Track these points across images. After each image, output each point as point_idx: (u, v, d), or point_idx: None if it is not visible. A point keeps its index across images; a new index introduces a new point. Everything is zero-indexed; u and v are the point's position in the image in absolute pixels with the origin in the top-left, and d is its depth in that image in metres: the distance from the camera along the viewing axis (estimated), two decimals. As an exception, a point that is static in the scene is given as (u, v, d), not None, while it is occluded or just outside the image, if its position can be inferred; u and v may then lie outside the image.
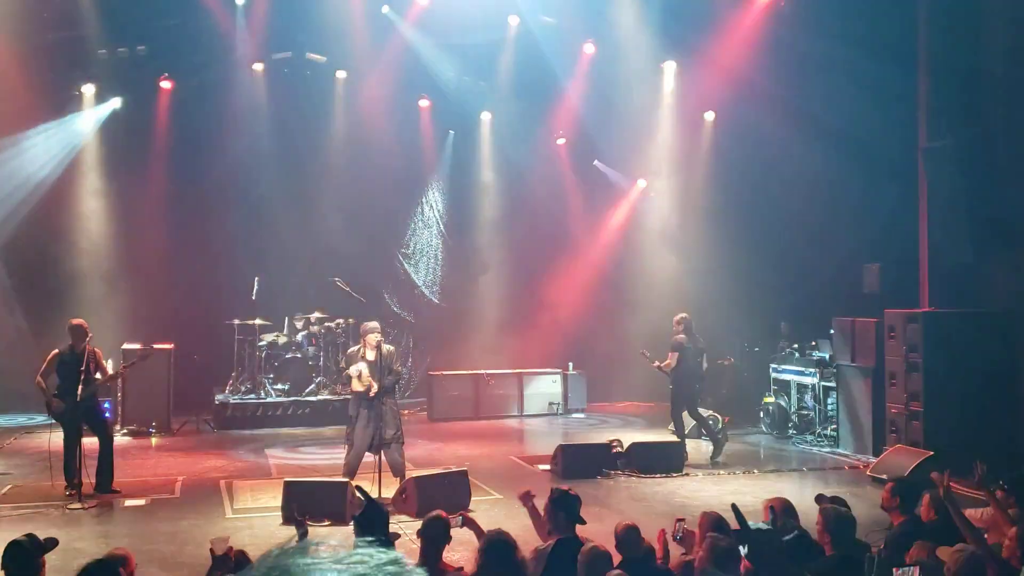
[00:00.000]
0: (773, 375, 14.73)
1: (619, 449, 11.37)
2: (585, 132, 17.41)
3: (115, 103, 15.63)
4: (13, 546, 4.68)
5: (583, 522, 5.58)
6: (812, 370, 13.87)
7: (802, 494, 8.79)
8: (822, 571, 4.83)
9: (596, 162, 17.89)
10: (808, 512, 6.27)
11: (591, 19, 15.78)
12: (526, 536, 6.58)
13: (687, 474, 11.14)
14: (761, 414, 14.50)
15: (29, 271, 15.04)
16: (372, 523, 5.05)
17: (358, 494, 5.01)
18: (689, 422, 13.65)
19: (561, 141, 18.01)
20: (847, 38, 13.00)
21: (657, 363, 12.37)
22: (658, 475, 10.95)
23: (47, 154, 15.15)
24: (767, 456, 12.55)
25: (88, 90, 15.43)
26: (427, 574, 1.57)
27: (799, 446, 13.30)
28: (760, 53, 14.53)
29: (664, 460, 11.23)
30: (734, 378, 15.98)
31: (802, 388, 14.18)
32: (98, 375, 9.92)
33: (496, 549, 4.74)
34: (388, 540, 3.78)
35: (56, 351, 9.86)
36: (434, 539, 5.31)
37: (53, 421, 9.93)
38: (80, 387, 9.55)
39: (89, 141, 15.68)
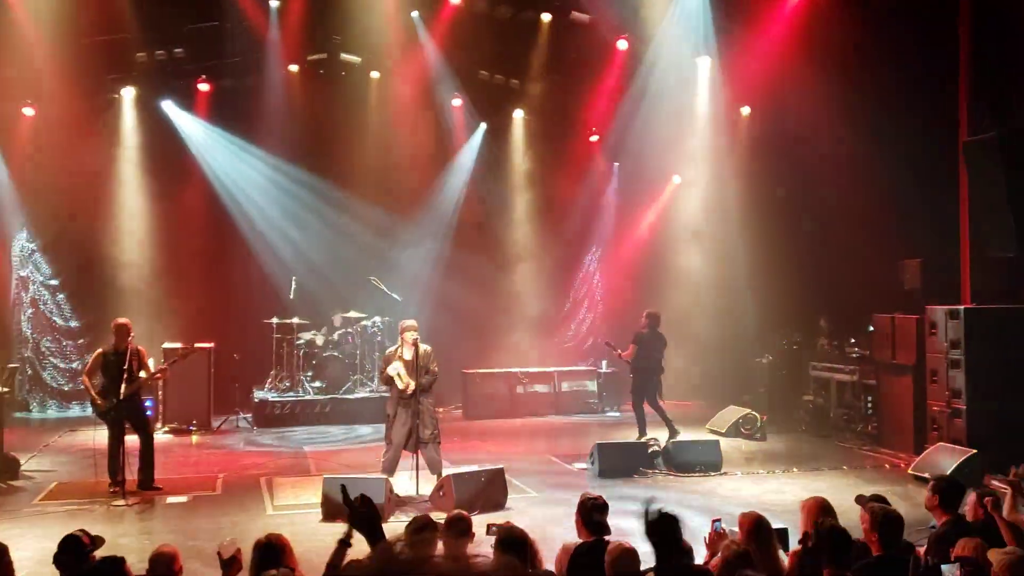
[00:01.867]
0: (812, 373, 14.60)
1: (656, 448, 11.34)
2: (618, 129, 17.36)
3: (156, 106, 15.86)
4: (68, 540, 4.78)
5: (608, 531, 5.55)
6: (851, 367, 13.73)
7: (842, 493, 8.70)
8: (869, 571, 4.78)
9: (615, 164, 17.80)
10: (848, 512, 6.21)
11: (624, 15, 15.72)
12: (562, 534, 6.61)
13: (725, 473, 11.07)
14: (800, 412, 14.37)
15: (73, 271, 15.31)
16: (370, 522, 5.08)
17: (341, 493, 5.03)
18: (732, 416, 13.62)
19: (595, 138, 17.98)
20: (887, 30, 12.84)
21: (619, 351, 12.90)
22: (695, 474, 10.90)
23: (93, 155, 15.41)
24: (806, 455, 12.43)
25: (128, 93, 15.67)
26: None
27: (838, 444, 13.16)
28: (797, 47, 14.37)
29: (701, 459, 11.16)
30: (772, 376, 15.86)
31: (841, 386, 14.04)
32: (141, 373, 10.07)
33: (509, 542, 4.80)
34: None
35: (101, 350, 10.06)
36: (459, 536, 5.35)
37: (98, 418, 10.12)
38: (123, 385, 9.72)
39: (131, 143, 15.92)
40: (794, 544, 5.71)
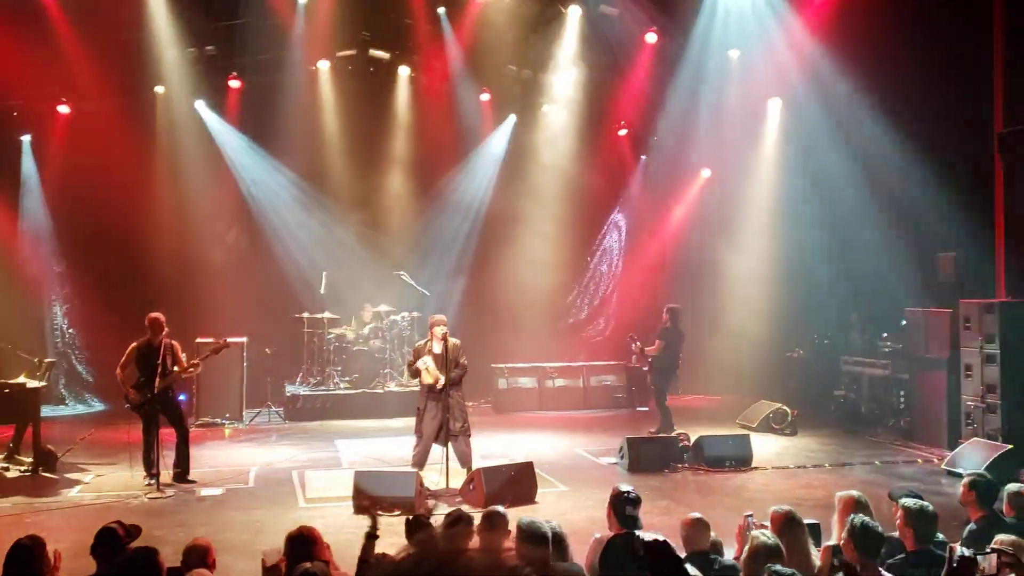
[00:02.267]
0: (843, 368, 14.48)
1: (687, 443, 11.30)
2: (647, 122, 17.29)
3: (188, 103, 16.03)
4: (104, 532, 4.86)
5: (639, 526, 5.55)
6: (884, 362, 13.60)
7: (874, 489, 8.63)
8: (904, 566, 4.75)
9: (644, 157, 17.74)
10: (880, 507, 6.17)
11: (653, 8, 15.65)
12: (591, 527, 6.61)
13: (756, 468, 11.01)
14: (831, 407, 14.26)
15: (108, 266, 15.50)
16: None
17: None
18: (763, 411, 13.55)
19: (623, 132, 17.92)
20: (919, 21, 12.67)
21: (643, 348, 12.97)
22: (726, 469, 10.86)
23: (126, 153, 15.60)
24: (838, 450, 12.33)
25: (160, 90, 15.85)
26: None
27: (871, 439, 13.05)
28: (827, 38, 14.24)
29: (732, 454, 11.11)
30: (803, 371, 15.75)
31: (873, 380, 13.91)
32: (175, 368, 10.19)
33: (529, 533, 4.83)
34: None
35: (135, 344, 10.18)
36: (495, 531, 5.37)
37: (131, 412, 10.26)
38: (157, 379, 9.85)
39: (164, 140, 16.11)
40: (826, 539, 5.68)
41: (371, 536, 5.06)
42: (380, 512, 8.60)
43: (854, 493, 5.80)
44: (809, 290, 15.44)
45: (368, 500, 8.51)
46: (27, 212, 15.38)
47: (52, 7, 13.42)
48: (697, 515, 5.49)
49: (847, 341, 15.04)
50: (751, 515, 5.75)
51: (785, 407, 13.58)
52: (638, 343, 13.08)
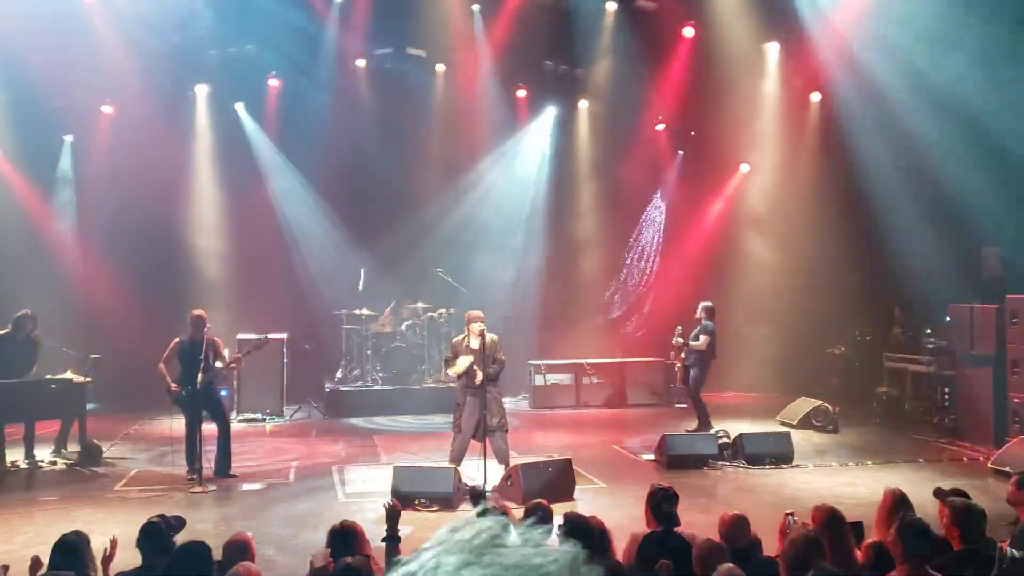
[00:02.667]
0: (886, 364, 14.27)
1: (726, 439, 11.21)
2: (686, 116, 17.18)
3: (228, 103, 16.22)
4: (149, 526, 4.93)
5: (677, 523, 5.52)
6: (928, 358, 13.38)
7: (918, 487, 8.49)
8: (951, 566, 4.66)
9: (680, 153, 17.63)
10: (925, 505, 6.08)
11: (691, 2, 15.53)
12: (630, 524, 6.59)
13: (796, 465, 10.89)
14: (874, 404, 14.07)
15: (151, 264, 15.72)
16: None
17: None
18: (804, 408, 13.41)
19: (661, 126, 17.82)
20: (964, 14, 12.43)
21: (688, 344, 12.86)
22: (766, 466, 10.75)
23: (166, 152, 15.82)
24: (880, 447, 12.15)
25: (201, 90, 16.05)
26: None
27: (914, 437, 12.85)
28: (869, 30, 14.03)
29: (772, 451, 10.99)
30: (845, 367, 15.55)
31: (917, 377, 13.70)
32: (217, 363, 10.33)
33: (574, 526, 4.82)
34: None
35: (177, 339, 10.34)
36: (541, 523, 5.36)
37: (173, 406, 10.42)
38: (199, 375, 9.98)
39: (205, 138, 16.31)
40: (868, 538, 5.60)
41: (390, 539, 5.05)
42: (420, 507, 8.70)
43: (897, 490, 5.72)
44: (850, 285, 15.22)
45: (395, 500, 8.58)
46: (72, 211, 15.63)
47: (95, 8, 13.61)
48: (737, 512, 5.44)
49: (889, 337, 14.81)
50: (792, 513, 5.68)
51: (826, 404, 13.42)
52: (681, 339, 13.00)
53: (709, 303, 13.22)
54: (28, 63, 13.26)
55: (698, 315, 13.08)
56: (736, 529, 5.32)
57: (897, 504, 5.57)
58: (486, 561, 1.10)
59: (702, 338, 12.81)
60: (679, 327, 13.20)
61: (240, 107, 16.29)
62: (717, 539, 5.21)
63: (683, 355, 13.03)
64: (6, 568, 4.86)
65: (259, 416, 14.29)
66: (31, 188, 14.97)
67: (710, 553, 4.79)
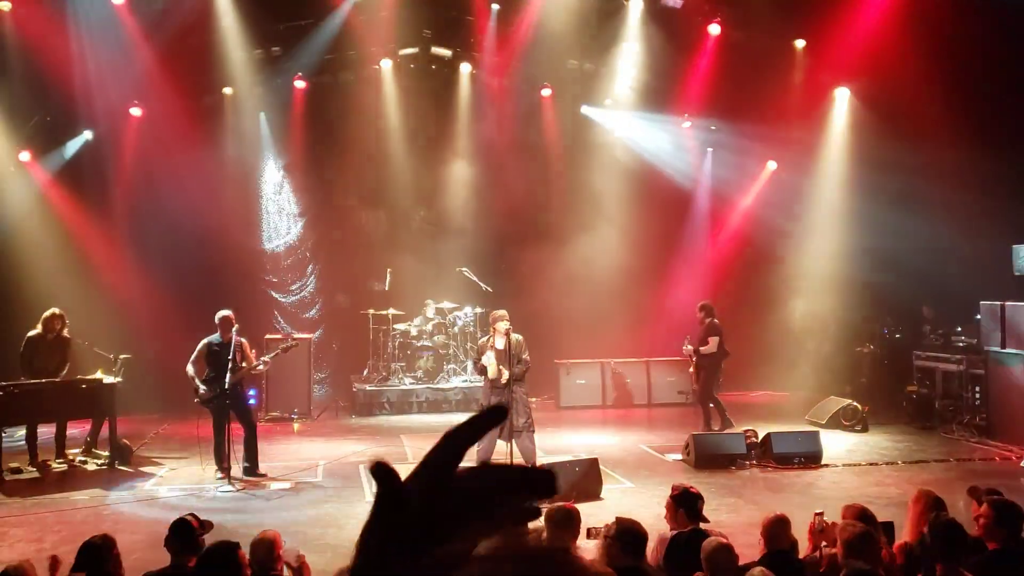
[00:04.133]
0: (916, 363, 14.12)
1: (754, 439, 11.12)
2: (712, 114, 17.07)
3: (255, 105, 16.34)
4: (179, 524, 4.97)
5: (706, 520, 5.49)
6: (958, 357, 13.22)
7: (949, 487, 8.40)
8: (988, 566, 4.60)
9: (709, 149, 17.53)
10: (955, 505, 6.00)
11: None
12: (658, 525, 6.55)
13: (826, 465, 10.79)
14: (903, 403, 13.92)
15: (179, 266, 15.85)
16: None
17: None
18: (833, 407, 13.30)
19: (687, 124, 17.73)
20: (996, 6, 12.26)
21: (699, 348, 12.72)
22: (795, 466, 10.66)
23: (194, 154, 15.95)
24: (911, 447, 12.03)
25: (228, 93, 16.17)
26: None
27: (945, 436, 12.70)
28: (897, 25, 13.86)
29: (801, 450, 10.90)
30: (874, 366, 15.39)
31: (947, 376, 13.54)
32: (244, 364, 10.40)
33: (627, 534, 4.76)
34: None
35: (205, 341, 10.42)
36: (563, 529, 5.33)
37: (202, 406, 10.51)
38: (228, 375, 10.06)
39: (232, 140, 16.44)
40: (899, 538, 5.54)
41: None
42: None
43: (931, 492, 5.65)
44: (879, 283, 15.07)
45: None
46: (103, 212, 15.79)
47: (124, 12, 13.75)
48: (778, 513, 5.37)
49: (919, 335, 14.64)
50: (822, 513, 5.64)
51: (855, 403, 13.29)
52: (691, 347, 12.92)
53: (707, 302, 13.23)
54: (57, 66, 13.40)
55: (699, 317, 13.01)
56: (778, 530, 5.26)
57: (931, 505, 5.50)
58: None
59: (711, 340, 12.71)
60: (688, 336, 13.12)
61: (265, 111, 16.40)
62: (749, 539, 5.18)
63: (693, 356, 12.90)
64: (29, 562, 4.95)
65: (287, 415, 14.39)
66: (63, 191, 15.12)
67: (717, 553, 4.75)
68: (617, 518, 5.12)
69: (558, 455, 10.71)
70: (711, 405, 12.92)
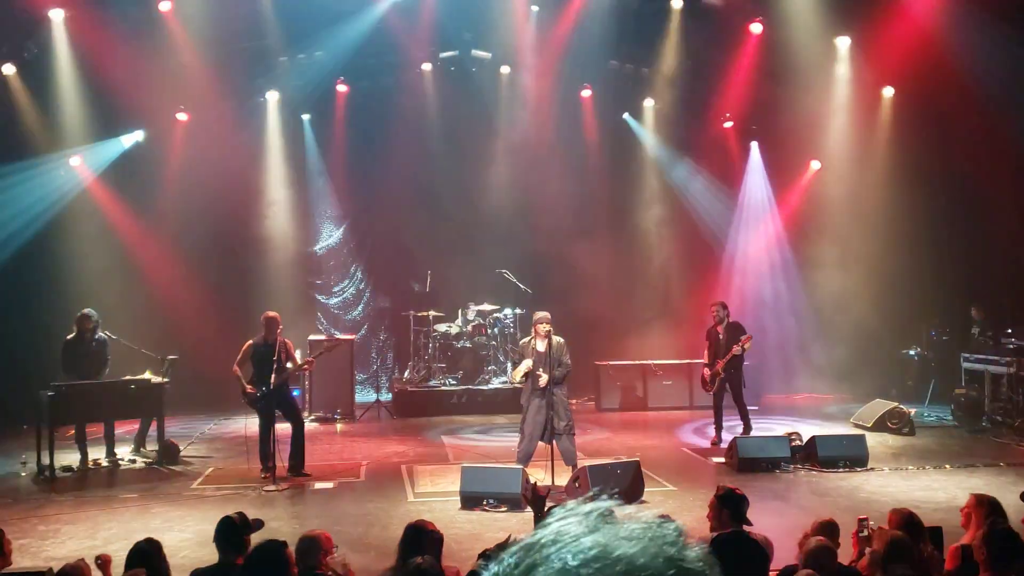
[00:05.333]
0: (964, 365, 13.87)
1: (798, 442, 11.00)
2: (754, 114, 16.93)
3: (298, 108, 16.53)
4: (225, 523, 5.04)
5: (749, 523, 5.45)
6: (1008, 359, 12.96)
7: (1000, 491, 8.23)
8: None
9: (753, 143, 17.37)
10: (1008, 510, 5.88)
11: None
12: (700, 528, 6.51)
13: (871, 469, 10.63)
14: (952, 406, 13.68)
15: (225, 268, 16.09)
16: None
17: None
18: (879, 410, 13.10)
19: (729, 124, 17.60)
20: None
21: (736, 349, 12.06)
22: (840, 469, 10.52)
23: (238, 158, 16.18)
24: (959, 451, 11.81)
25: (272, 96, 16.38)
26: None
27: (994, 440, 12.45)
28: (944, 23, 13.63)
29: (846, 454, 10.75)
30: (921, 368, 15.14)
31: (997, 378, 13.28)
32: (289, 364, 10.54)
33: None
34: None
35: (251, 342, 10.57)
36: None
37: (248, 407, 10.66)
38: (273, 376, 10.19)
39: (276, 144, 16.65)
40: (950, 543, 5.46)
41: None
42: (487, 508, 8.74)
43: (987, 495, 5.56)
44: (926, 284, 14.83)
45: (474, 497, 8.63)
46: (150, 214, 16.07)
47: (171, 18, 13.99)
48: (828, 517, 5.31)
49: (968, 337, 14.39)
50: (867, 518, 5.57)
51: (902, 406, 13.09)
52: (718, 366, 12.26)
53: (720, 301, 12.72)
54: (107, 71, 13.66)
55: (720, 316, 12.31)
56: (827, 535, 5.20)
57: (988, 510, 5.41)
58: (606, 531, 1.18)
59: (744, 338, 12.08)
60: (704, 353, 12.54)
61: (306, 118, 16.59)
62: (787, 543, 5.13)
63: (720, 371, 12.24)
64: (108, 560, 5.06)
65: (330, 415, 14.54)
66: (111, 195, 15.41)
67: (817, 551, 4.70)
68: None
69: (599, 457, 10.69)
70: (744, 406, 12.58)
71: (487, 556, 4.79)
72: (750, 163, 17.80)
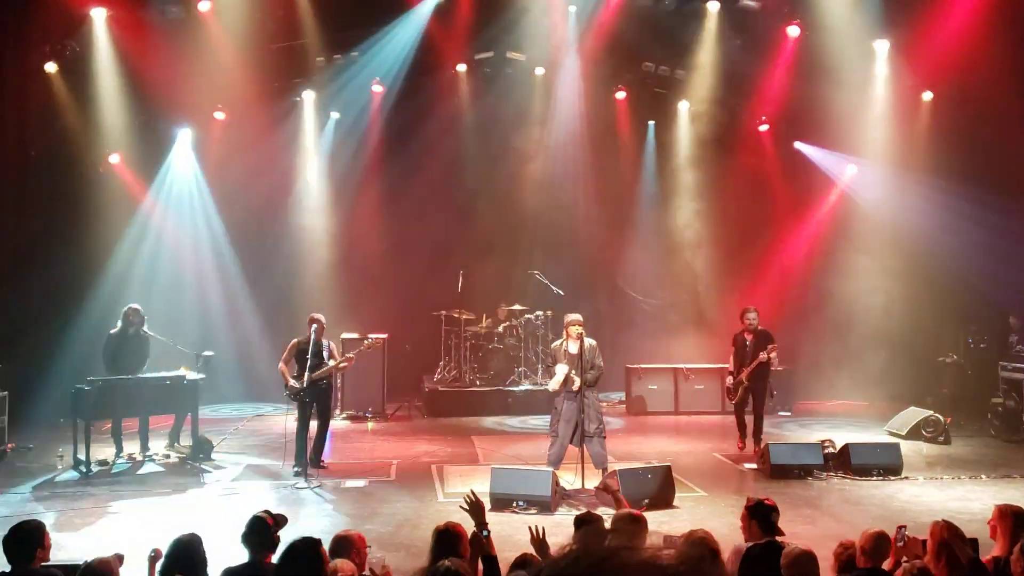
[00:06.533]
0: (1002, 373, 13.65)
1: (831, 449, 10.88)
2: (790, 117, 16.78)
3: (334, 109, 16.64)
4: (256, 521, 5.07)
5: (781, 532, 5.40)
6: (1047, 368, 12.75)
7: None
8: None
9: (797, 143, 17.26)
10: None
11: (796, 0, 15.15)
12: (731, 535, 6.47)
13: (906, 477, 10.50)
14: (988, 415, 13.47)
15: (260, 266, 16.25)
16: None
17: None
18: (914, 418, 12.94)
19: (765, 127, 17.46)
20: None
21: (769, 357, 11.77)
22: (874, 477, 10.40)
23: (275, 158, 16.33)
24: (996, 461, 11.62)
25: (308, 96, 16.50)
26: None
27: (1033, 451, 12.25)
28: (986, 25, 13.43)
29: (880, 462, 10.62)
30: (957, 377, 14.93)
31: (1035, 387, 13.06)
32: (330, 363, 10.74)
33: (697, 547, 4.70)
34: None
35: (296, 340, 10.79)
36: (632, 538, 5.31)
37: (290, 403, 10.84)
38: (313, 372, 10.43)
39: (311, 145, 16.77)
40: (983, 556, 5.37)
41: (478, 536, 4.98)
42: (516, 510, 8.74)
43: (1015, 506, 5.47)
44: (963, 291, 14.62)
45: (504, 499, 8.66)
46: (189, 212, 16.26)
47: (211, 20, 14.14)
48: (879, 529, 5.24)
49: (1006, 345, 14.16)
50: (904, 527, 5.49)
51: (938, 414, 12.91)
52: (743, 375, 11.98)
53: (755, 307, 12.26)
54: (147, 70, 13.84)
55: (752, 322, 11.97)
56: (879, 546, 5.13)
57: (1014, 521, 5.33)
58: None
59: (772, 347, 11.77)
60: (730, 366, 12.21)
61: (335, 116, 16.70)
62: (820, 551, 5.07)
63: (745, 380, 11.94)
64: (121, 558, 5.08)
65: (361, 414, 14.63)
66: (148, 191, 15.61)
67: (798, 561, 4.66)
68: (697, 532, 5.05)
69: (629, 461, 10.66)
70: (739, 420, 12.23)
71: (522, 564, 4.79)
72: (783, 168, 17.63)
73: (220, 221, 16.14)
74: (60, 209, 14.24)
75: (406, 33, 15.49)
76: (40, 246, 13.86)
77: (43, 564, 4.97)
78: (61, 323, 13.63)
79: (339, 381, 14.41)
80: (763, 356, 11.83)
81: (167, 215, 15.79)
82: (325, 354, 10.73)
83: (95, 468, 10.67)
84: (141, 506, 9.17)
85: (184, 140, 15.82)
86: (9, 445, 11.55)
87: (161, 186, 15.74)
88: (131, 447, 11.48)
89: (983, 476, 10.70)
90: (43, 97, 13.80)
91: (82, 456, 10.60)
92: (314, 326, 10.65)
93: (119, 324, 11.60)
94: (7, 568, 4.94)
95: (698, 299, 17.54)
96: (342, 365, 11.14)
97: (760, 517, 5.40)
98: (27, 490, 9.88)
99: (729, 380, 12.17)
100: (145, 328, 11.69)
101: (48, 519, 8.08)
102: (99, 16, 13.58)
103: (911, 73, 15.45)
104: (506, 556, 4.99)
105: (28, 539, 4.93)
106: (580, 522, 5.23)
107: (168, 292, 14.96)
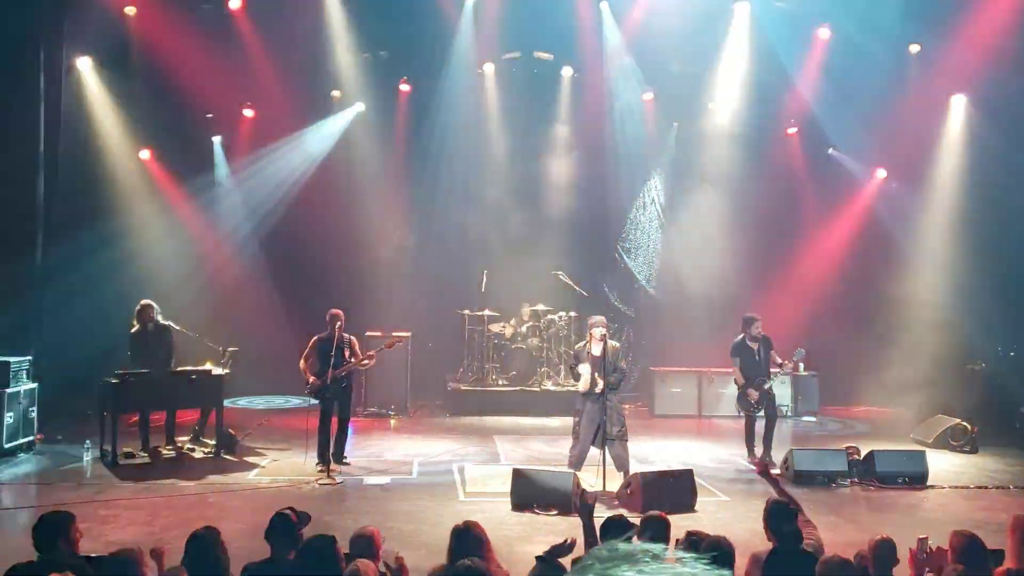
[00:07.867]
0: (1032, 383, 13.47)
1: (856, 456, 10.78)
2: (819, 121, 16.64)
3: (359, 107, 16.70)
4: (279, 518, 5.11)
5: (800, 539, 5.34)
6: (1079, 377, 12.55)
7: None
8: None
9: (831, 150, 17.11)
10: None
11: (826, 2, 15.04)
12: (752, 540, 6.43)
13: (931, 486, 10.38)
14: (1017, 425, 13.29)
15: (288, 262, 16.36)
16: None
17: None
18: (940, 426, 12.80)
19: (793, 131, 17.33)
20: None
21: (783, 365, 11.77)
22: (899, 486, 10.30)
23: (301, 156, 16.43)
24: None
25: (336, 94, 16.58)
26: None
27: (1063, 461, 12.07)
28: (1018, 29, 13.25)
29: (905, 470, 10.51)
30: (985, 385, 14.73)
31: (1067, 397, 12.87)
32: (352, 359, 10.77)
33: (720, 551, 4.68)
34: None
35: (316, 337, 10.83)
36: (655, 539, 5.29)
37: (313, 400, 10.92)
38: (336, 369, 10.48)
39: (337, 143, 16.85)
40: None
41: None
42: (538, 511, 8.73)
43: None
44: (992, 298, 14.43)
45: (526, 498, 8.63)
46: (218, 209, 16.40)
47: (241, 18, 14.25)
48: (885, 535, 5.19)
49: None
50: (926, 537, 5.43)
51: (965, 423, 12.76)
52: (766, 385, 11.81)
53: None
54: (178, 69, 13.97)
55: (758, 331, 11.78)
56: (886, 553, 5.08)
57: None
58: None
59: (801, 358, 11.75)
60: (738, 376, 11.94)
61: (367, 118, 16.77)
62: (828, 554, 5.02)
63: (768, 387, 11.78)
64: (162, 550, 5.17)
65: (384, 411, 14.69)
66: (177, 188, 15.75)
67: (833, 569, 4.61)
68: (718, 538, 5.01)
69: (651, 464, 10.62)
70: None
71: (544, 559, 4.80)
72: (811, 172, 17.50)
73: (248, 218, 16.25)
74: (90, 203, 14.38)
75: (434, 33, 15.51)
76: (69, 240, 14.01)
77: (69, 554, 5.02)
78: (91, 316, 13.77)
79: (363, 378, 14.48)
80: (789, 365, 11.71)
81: (197, 211, 15.92)
82: (347, 350, 10.75)
83: (121, 460, 10.79)
84: (165, 499, 9.26)
85: (214, 138, 15.98)
86: (38, 436, 11.71)
87: (192, 182, 15.87)
88: (156, 441, 11.57)
89: (1011, 487, 10.57)
90: (76, 93, 13.96)
91: (108, 448, 10.74)
92: (337, 323, 10.68)
93: (135, 323, 11.70)
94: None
95: (723, 302, 17.42)
96: (364, 363, 11.19)
97: (773, 522, 5.35)
98: (54, 480, 10.01)
99: (753, 393, 11.67)
100: (160, 318, 11.76)
101: (73, 510, 8.16)
102: (131, 13, 13.72)
103: (942, 76, 15.26)
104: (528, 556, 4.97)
105: (53, 529, 5.00)
106: (608, 524, 5.21)
107: (195, 287, 15.09)
